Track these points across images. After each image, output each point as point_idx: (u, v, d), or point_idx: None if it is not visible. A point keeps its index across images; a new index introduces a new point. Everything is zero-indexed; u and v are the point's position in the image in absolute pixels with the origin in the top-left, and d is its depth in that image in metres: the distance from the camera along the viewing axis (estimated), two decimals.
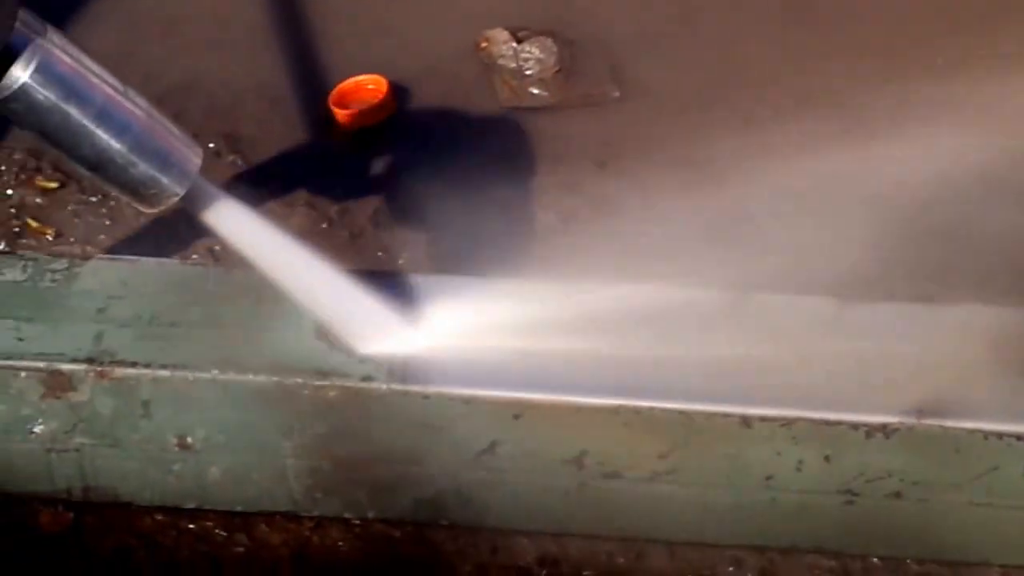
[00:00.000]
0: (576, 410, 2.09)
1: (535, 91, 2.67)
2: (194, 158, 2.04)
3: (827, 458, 2.11)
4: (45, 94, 1.93)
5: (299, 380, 2.12)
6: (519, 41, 2.72)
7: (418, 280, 2.31)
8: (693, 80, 2.68)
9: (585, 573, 2.21)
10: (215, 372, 2.12)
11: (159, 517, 2.23)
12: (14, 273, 2.22)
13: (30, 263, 2.25)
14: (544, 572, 2.21)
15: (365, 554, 2.23)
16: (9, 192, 2.54)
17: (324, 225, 2.44)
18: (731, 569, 2.22)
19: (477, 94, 2.67)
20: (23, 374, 2.12)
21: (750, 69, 2.75)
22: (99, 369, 2.11)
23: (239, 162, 2.55)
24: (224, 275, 2.28)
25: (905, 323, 2.22)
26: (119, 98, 1.99)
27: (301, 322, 2.19)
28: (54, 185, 2.53)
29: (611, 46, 2.74)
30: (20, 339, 2.13)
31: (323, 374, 2.12)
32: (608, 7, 2.84)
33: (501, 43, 2.73)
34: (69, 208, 2.48)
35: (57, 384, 2.12)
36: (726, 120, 2.61)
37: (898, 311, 2.23)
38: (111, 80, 1.99)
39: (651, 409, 2.09)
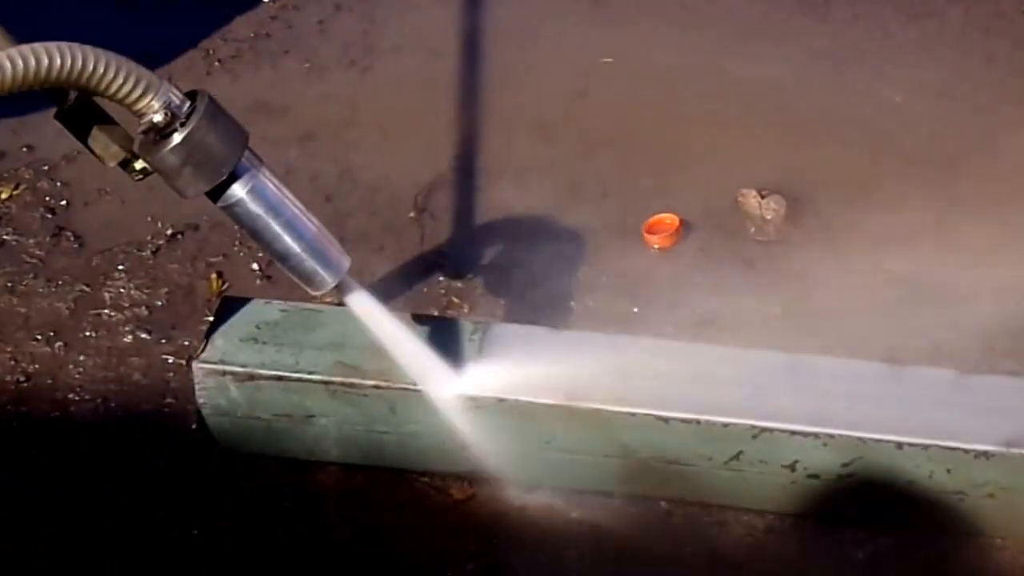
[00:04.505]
0: (791, 433, 2.31)
1: (771, 230, 2.91)
2: (344, 262, 2.21)
3: (948, 471, 2.30)
4: (254, 207, 2.12)
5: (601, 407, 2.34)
6: (763, 197, 2.93)
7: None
8: (872, 221, 2.85)
9: (795, 539, 2.37)
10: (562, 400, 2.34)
11: (526, 490, 2.41)
12: (445, 333, 2.43)
13: (454, 325, 2.46)
14: (771, 535, 2.37)
15: (655, 523, 2.40)
16: (440, 279, 2.82)
17: (636, 310, 2.71)
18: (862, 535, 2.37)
19: (735, 230, 2.92)
20: (449, 400, 2.34)
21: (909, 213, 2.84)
22: (498, 397, 2.34)
23: (576, 265, 2.82)
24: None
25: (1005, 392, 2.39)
26: (300, 215, 2.16)
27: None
28: (468, 276, 2.82)
29: (820, 201, 2.96)
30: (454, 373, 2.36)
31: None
32: (819, 175, 3.03)
33: (751, 198, 2.93)
34: (477, 292, 2.78)
35: (472, 405, 2.35)
36: (887, 244, 2.75)
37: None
38: (296, 202, 2.16)
39: (841, 435, 2.30)
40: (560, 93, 3.28)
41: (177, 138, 2.03)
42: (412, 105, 3.26)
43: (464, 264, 2.88)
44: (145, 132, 2.05)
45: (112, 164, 2.11)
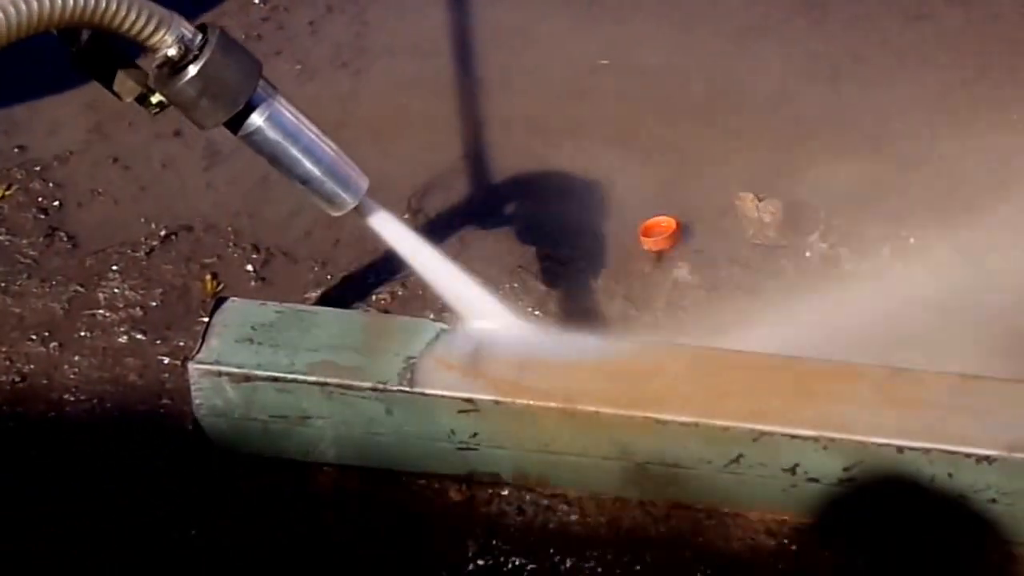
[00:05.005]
0: (792, 437, 2.31)
1: (770, 233, 2.91)
2: (363, 183, 2.31)
3: (950, 475, 2.31)
4: (272, 134, 2.20)
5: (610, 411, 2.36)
6: (760, 200, 2.93)
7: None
8: (871, 224, 2.88)
9: (795, 543, 2.36)
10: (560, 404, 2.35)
11: (524, 492, 2.42)
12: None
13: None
14: (771, 539, 2.37)
15: (654, 525, 2.40)
16: None
17: (633, 311, 2.72)
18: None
19: (732, 233, 2.92)
20: (446, 401, 2.37)
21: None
22: (495, 399, 2.37)
23: (574, 267, 2.81)
24: None
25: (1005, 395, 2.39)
26: (319, 140, 2.25)
27: None
28: None
29: (818, 204, 2.95)
30: (449, 376, 2.40)
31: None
32: (817, 177, 3.03)
33: (749, 201, 2.93)
34: None
35: (468, 407, 2.38)
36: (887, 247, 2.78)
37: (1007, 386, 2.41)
38: (315, 128, 2.25)
39: (841, 439, 2.30)
40: (556, 95, 3.29)
41: (193, 70, 2.08)
42: (406, 107, 3.27)
43: (459, 266, 2.76)
44: (160, 66, 2.10)
45: (129, 99, 2.15)
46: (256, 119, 2.18)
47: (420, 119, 3.23)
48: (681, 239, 2.91)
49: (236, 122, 2.17)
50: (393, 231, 2.43)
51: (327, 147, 2.27)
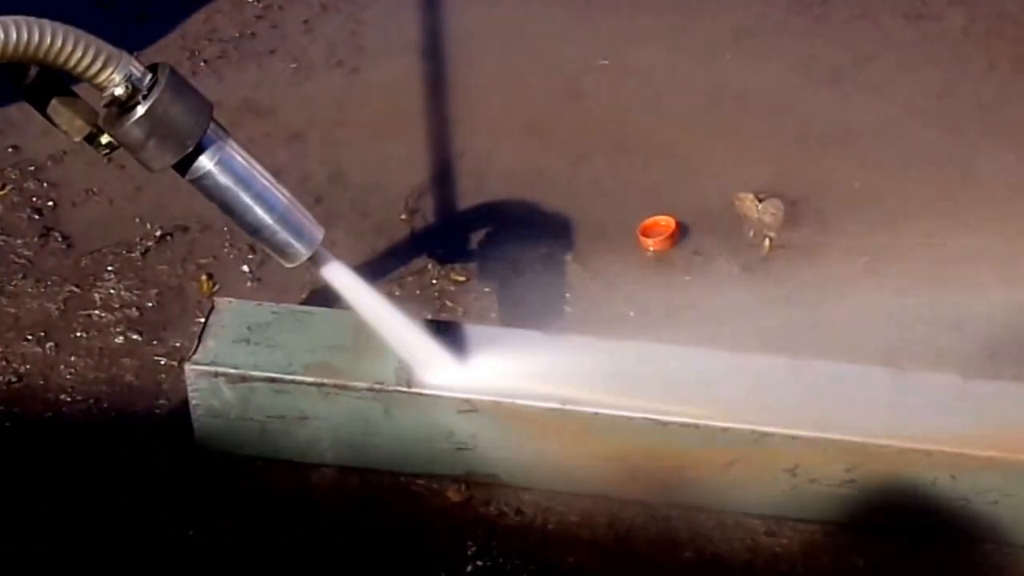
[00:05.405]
0: (792, 439, 2.31)
1: (770, 233, 2.92)
2: (318, 233, 2.22)
3: (952, 476, 2.32)
4: (223, 179, 2.12)
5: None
6: (760, 200, 2.96)
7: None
8: (872, 225, 2.91)
9: (795, 544, 2.36)
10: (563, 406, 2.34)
11: (523, 492, 2.43)
12: (443, 336, 2.42)
13: (446, 326, 2.47)
14: (771, 539, 2.38)
15: (654, 526, 2.41)
16: (434, 282, 2.82)
17: (632, 312, 2.72)
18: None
19: (731, 233, 2.94)
20: (444, 401, 2.37)
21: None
22: (494, 400, 2.37)
23: (572, 267, 2.82)
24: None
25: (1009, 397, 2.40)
26: (271, 187, 2.16)
27: None
28: (462, 279, 2.83)
29: (820, 206, 2.99)
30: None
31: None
32: (818, 178, 3.06)
33: (748, 201, 2.96)
34: (472, 295, 2.79)
35: (466, 408, 2.38)
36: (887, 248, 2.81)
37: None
38: (267, 175, 2.17)
39: (842, 440, 2.30)
40: (553, 94, 3.30)
41: (140, 111, 2.03)
42: (402, 106, 3.27)
43: (457, 267, 2.87)
44: (108, 105, 2.05)
45: (78, 138, 2.10)
46: (206, 162, 2.12)
47: (416, 118, 3.23)
48: (681, 239, 2.92)
49: (185, 165, 2.11)
50: (349, 286, 2.36)
51: (280, 194, 2.20)
